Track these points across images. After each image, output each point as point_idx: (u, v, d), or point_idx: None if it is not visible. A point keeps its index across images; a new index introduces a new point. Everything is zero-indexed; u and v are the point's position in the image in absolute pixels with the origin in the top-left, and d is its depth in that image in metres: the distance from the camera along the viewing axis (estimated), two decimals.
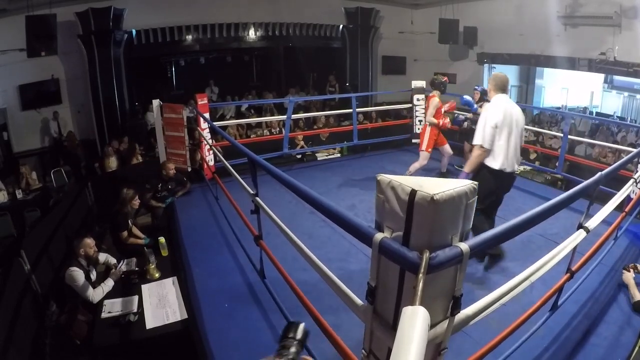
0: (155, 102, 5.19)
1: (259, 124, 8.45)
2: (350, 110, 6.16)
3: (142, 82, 9.04)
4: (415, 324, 0.79)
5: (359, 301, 1.36)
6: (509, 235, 1.25)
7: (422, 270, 0.95)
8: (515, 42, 8.58)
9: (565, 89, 10.31)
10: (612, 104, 9.76)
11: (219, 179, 4.20)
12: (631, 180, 2.88)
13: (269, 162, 2.33)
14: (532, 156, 6.59)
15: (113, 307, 2.94)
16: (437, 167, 5.18)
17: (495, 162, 2.85)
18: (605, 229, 2.47)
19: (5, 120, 7.56)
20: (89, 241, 3.19)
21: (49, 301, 3.44)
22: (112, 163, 6.95)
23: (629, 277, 2.71)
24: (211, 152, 4.98)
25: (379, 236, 1.12)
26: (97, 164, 7.24)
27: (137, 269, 3.42)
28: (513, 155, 2.88)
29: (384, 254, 1.11)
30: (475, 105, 4.64)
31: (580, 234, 2.00)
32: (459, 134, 5.86)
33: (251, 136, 7.93)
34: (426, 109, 5.00)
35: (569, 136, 5.06)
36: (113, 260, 3.53)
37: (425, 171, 4.82)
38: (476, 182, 1.12)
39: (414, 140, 6.04)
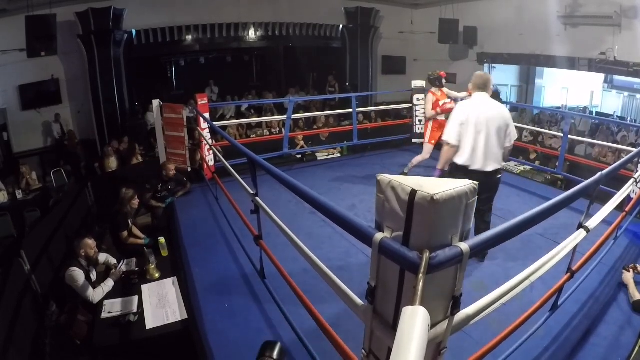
0: (155, 102, 5.19)
1: (259, 124, 8.45)
2: (350, 110, 6.16)
3: (142, 82, 9.04)
4: (415, 324, 0.79)
5: (359, 301, 1.35)
6: (509, 235, 1.25)
7: (422, 270, 0.95)
8: (515, 42, 8.58)
9: (566, 89, 10.31)
10: (612, 103, 9.77)
11: (218, 179, 4.20)
12: (631, 180, 2.88)
13: (269, 162, 2.33)
14: (532, 156, 6.60)
15: (113, 307, 2.94)
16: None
17: (459, 158, 2.94)
18: (606, 229, 2.47)
19: (5, 120, 7.57)
20: (90, 241, 3.19)
21: (49, 301, 3.44)
22: (112, 163, 6.95)
23: (628, 277, 2.71)
24: (211, 152, 4.98)
25: (379, 236, 1.11)
26: (97, 164, 7.25)
27: (137, 269, 3.42)
28: (483, 153, 2.85)
29: (384, 254, 1.11)
30: None
31: (581, 234, 1.99)
32: None
33: (251, 136, 7.93)
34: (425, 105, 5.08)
35: (569, 136, 5.05)
36: (113, 261, 3.53)
37: (427, 168, 4.85)
38: (476, 182, 1.12)
39: (414, 140, 6.04)
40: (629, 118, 9.29)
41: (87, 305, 3.04)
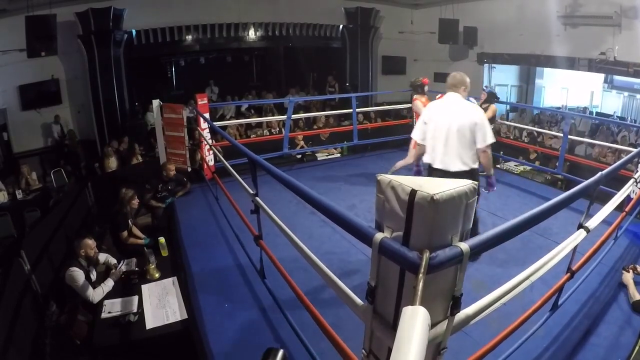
0: (155, 102, 5.19)
1: (259, 124, 8.45)
2: (350, 110, 6.16)
3: (142, 82, 9.04)
4: (415, 324, 0.78)
5: (359, 301, 1.35)
6: (509, 235, 1.25)
7: (422, 270, 0.95)
8: (515, 42, 8.58)
9: (565, 89, 10.31)
10: (612, 103, 9.76)
11: (218, 179, 4.20)
12: (631, 180, 2.88)
13: (269, 162, 2.33)
14: (532, 156, 6.60)
15: (113, 307, 2.94)
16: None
17: (425, 156, 2.99)
18: (606, 229, 2.47)
19: (5, 120, 7.57)
20: (90, 242, 3.19)
21: (49, 301, 3.44)
22: (112, 163, 6.95)
23: (628, 277, 2.72)
24: (211, 152, 4.98)
25: (379, 236, 1.11)
26: (97, 164, 7.25)
27: (137, 269, 3.41)
28: (442, 152, 2.84)
29: (384, 253, 1.11)
30: None
31: (581, 234, 1.99)
32: None
33: (251, 136, 7.93)
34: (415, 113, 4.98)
35: (569, 136, 5.06)
36: (113, 261, 3.53)
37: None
38: (476, 182, 1.12)
39: None
40: (629, 118, 9.28)
41: (87, 305, 3.04)
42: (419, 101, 4.69)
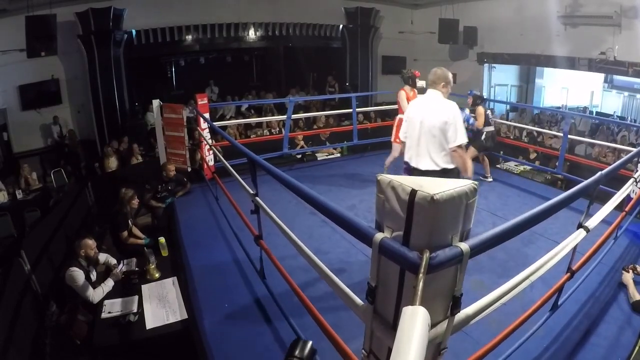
0: (155, 102, 5.19)
1: (259, 124, 8.45)
2: (350, 110, 6.16)
3: (142, 82, 9.04)
4: (415, 324, 0.78)
5: (359, 301, 1.35)
6: (509, 235, 1.25)
7: (422, 270, 0.95)
8: (515, 42, 8.59)
9: (565, 89, 10.31)
10: (612, 103, 9.76)
11: (218, 179, 4.21)
12: (631, 180, 2.88)
13: (269, 162, 2.33)
14: (532, 156, 6.60)
15: (113, 307, 2.94)
16: None
17: (405, 154, 2.94)
18: (605, 229, 2.47)
19: (5, 120, 7.57)
20: (90, 242, 3.19)
21: (49, 301, 3.44)
22: (112, 163, 6.95)
23: (628, 277, 2.72)
24: (211, 152, 4.98)
25: (379, 236, 1.11)
26: (97, 164, 7.25)
27: (137, 269, 3.42)
28: (415, 151, 2.80)
29: (384, 253, 1.11)
30: (472, 120, 4.56)
31: (580, 234, 2.00)
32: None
33: (251, 136, 7.93)
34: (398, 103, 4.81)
35: (569, 136, 5.06)
36: (113, 261, 3.53)
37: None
38: (476, 182, 1.12)
39: None
40: (629, 118, 9.28)
41: (87, 305, 3.04)
42: (403, 91, 4.59)
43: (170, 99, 7.16)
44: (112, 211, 4.04)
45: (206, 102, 5.26)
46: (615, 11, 6.81)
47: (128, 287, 3.17)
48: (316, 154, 6.63)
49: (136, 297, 3.00)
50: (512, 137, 7.82)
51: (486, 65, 9.68)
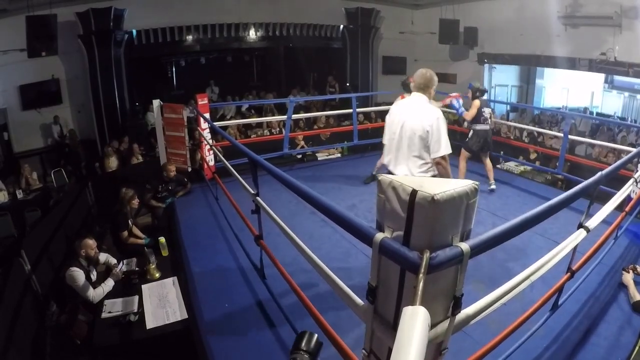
0: (156, 102, 5.19)
1: (259, 124, 8.46)
2: (351, 110, 6.16)
3: (142, 82, 9.05)
4: (415, 324, 0.79)
5: (359, 301, 1.35)
6: (509, 235, 1.25)
7: (422, 270, 0.95)
8: (515, 42, 8.59)
9: (566, 89, 10.30)
10: (612, 104, 9.75)
11: (219, 179, 4.21)
12: (631, 180, 2.88)
13: (270, 162, 2.33)
14: (533, 156, 6.60)
15: (113, 307, 2.94)
16: None
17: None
18: (606, 229, 2.47)
19: (6, 120, 7.58)
20: (90, 242, 3.19)
21: (49, 301, 3.44)
22: (113, 163, 6.96)
23: (628, 278, 2.72)
24: (211, 152, 4.98)
25: (379, 236, 1.12)
26: (98, 164, 7.25)
27: (137, 269, 3.42)
28: (394, 157, 2.71)
29: (384, 254, 1.11)
30: (461, 109, 4.55)
31: (581, 234, 2.00)
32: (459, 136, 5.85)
33: (251, 136, 7.93)
34: None
35: (570, 136, 5.05)
36: (113, 261, 3.53)
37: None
38: (477, 183, 1.12)
39: None
40: (629, 118, 9.27)
41: (87, 305, 3.04)
42: (400, 98, 4.62)
43: (170, 99, 7.16)
44: (113, 211, 4.04)
45: (206, 102, 5.26)
46: (616, 11, 6.81)
47: (128, 287, 3.18)
48: (316, 154, 6.63)
49: (136, 297, 3.00)
50: (512, 138, 7.82)
51: (486, 65, 9.68)
